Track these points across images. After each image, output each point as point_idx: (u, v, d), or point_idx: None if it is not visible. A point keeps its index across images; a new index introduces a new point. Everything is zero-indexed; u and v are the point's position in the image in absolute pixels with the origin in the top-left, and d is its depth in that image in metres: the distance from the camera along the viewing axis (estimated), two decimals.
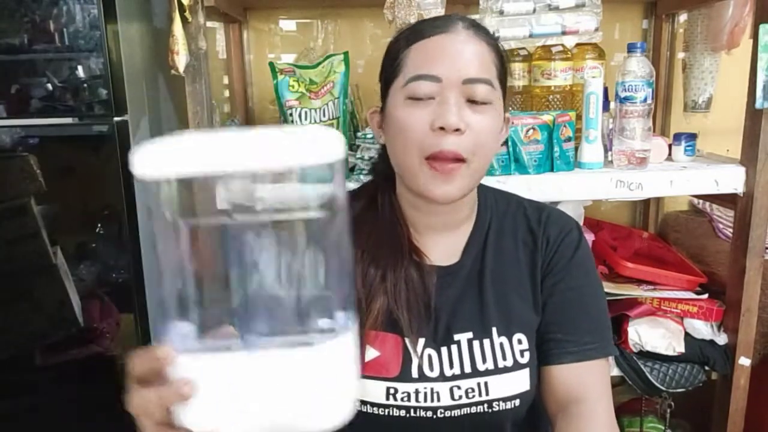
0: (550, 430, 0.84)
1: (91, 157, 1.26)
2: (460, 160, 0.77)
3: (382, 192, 0.90)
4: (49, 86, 1.19)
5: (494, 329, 0.84)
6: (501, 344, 0.84)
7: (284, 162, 0.43)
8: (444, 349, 0.84)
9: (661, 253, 1.55)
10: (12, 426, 1.35)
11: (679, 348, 1.32)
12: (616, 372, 1.34)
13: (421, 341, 0.84)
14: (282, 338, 0.47)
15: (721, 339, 1.35)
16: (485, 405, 0.83)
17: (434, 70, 0.77)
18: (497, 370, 0.83)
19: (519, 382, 0.84)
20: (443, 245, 0.89)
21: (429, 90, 0.77)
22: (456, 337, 0.84)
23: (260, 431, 0.47)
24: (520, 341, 0.84)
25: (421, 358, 0.84)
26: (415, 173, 0.79)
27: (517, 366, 0.84)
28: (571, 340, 0.84)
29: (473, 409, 0.83)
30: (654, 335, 1.33)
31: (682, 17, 1.64)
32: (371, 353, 0.84)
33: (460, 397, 0.83)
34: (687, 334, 1.35)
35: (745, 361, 1.32)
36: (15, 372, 1.32)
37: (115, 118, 1.21)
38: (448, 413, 0.82)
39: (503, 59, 0.84)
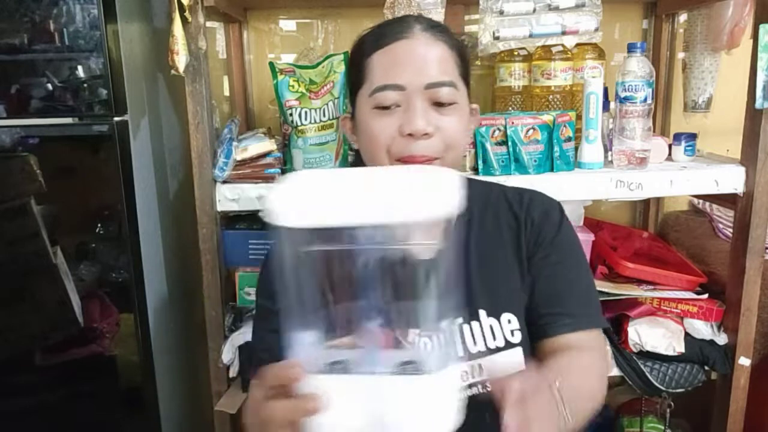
0: None
1: (91, 157, 1.26)
2: (430, 160, 0.80)
3: None
4: (49, 86, 1.19)
5: (482, 312, 0.85)
6: (490, 326, 0.85)
7: (408, 216, 0.51)
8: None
9: (661, 253, 1.55)
10: (12, 426, 1.35)
11: (679, 348, 1.32)
12: (616, 372, 1.34)
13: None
14: (397, 358, 0.55)
15: (721, 339, 1.35)
16: (480, 386, 0.84)
17: (397, 79, 0.80)
18: (489, 351, 0.84)
19: (512, 360, 0.85)
20: None
21: (394, 98, 0.81)
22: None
23: None
24: (509, 321, 0.85)
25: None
26: None
27: (508, 345, 0.84)
28: (563, 313, 0.85)
29: (469, 392, 0.84)
30: (654, 335, 1.33)
31: (682, 17, 1.64)
32: None
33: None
34: (687, 334, 1.35)
35: (745, 361, 1.32)
36: (15, 372, 1.32)
37: (115, 118, 1.21)
38: None
39: (464, 56, 0.86)
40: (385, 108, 0.81)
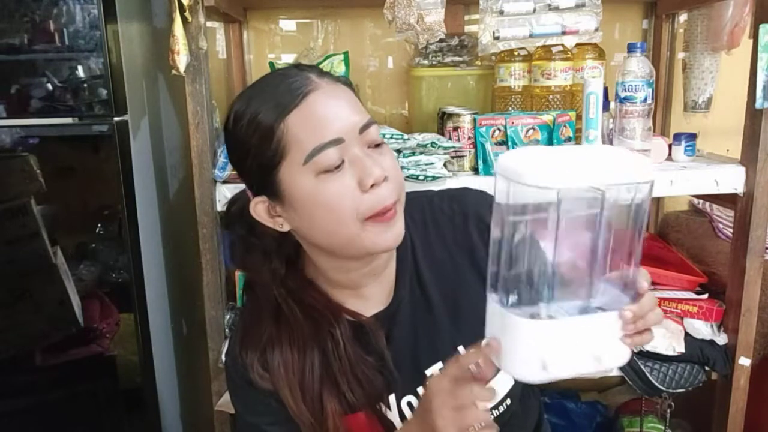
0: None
1: (91, 157, 1.26)
2: (396, 203, 0.75)
3: (281, 295, 0.83)
4: (49, 86, 1.19)
5: (460, 348, 0.81)
6: None
7: (629, 178, 0.57)
8: (421, 390, 0.81)
9: (661, 253, 1.55)
10: (12, 426, 1.35)
11: (679, 348, 1.32)
12: (616, 372, 1.34)
13: (392, 397, 0.82)
14: (585, 305, 0.61)
15: (721, 339, 1.35)
16: (494, 411, 0.83)
17: (332, 134, 0.72)
18: None
19: (502, 383, 0.83)
20: (381, 287, 0.85)
21: (338, 155, 0.72)
22: (428, 372, 0.81)
23: (561, 377, 0.61)
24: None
25: (399, 410, 0.82)
26: (358, 238, 0.74)
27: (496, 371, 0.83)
28: None
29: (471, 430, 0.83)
30: (654, 335, 1.32)
31: (682, 17, 1.64)
32: None
33: None
34: (687, 334, 1.35)
35: (745, 361, 1.32)
36: (15, 372, 1.32)
37: (115, 118, 1.21)
38: None
39: (356, 92, 0.82)
40: (336, 168, 0.72)
